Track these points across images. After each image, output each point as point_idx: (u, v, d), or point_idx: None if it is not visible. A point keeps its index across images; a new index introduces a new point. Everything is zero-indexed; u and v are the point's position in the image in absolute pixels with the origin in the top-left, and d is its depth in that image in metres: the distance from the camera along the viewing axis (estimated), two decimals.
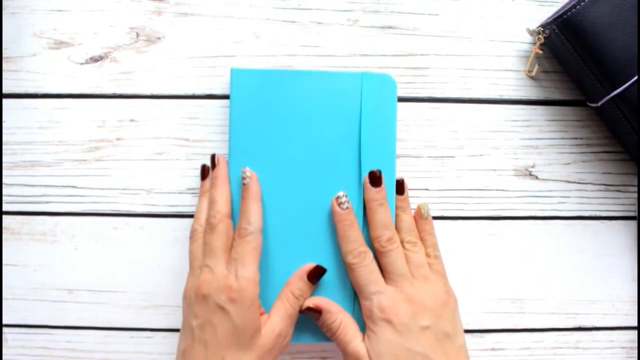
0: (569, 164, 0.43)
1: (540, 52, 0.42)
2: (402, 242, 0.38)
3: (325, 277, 0.39)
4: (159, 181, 0.43)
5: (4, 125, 0.43)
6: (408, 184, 0.43)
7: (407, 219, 0.39)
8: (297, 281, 0.37)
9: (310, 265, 0.38)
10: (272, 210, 0.39)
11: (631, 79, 0.38)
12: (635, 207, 0.44)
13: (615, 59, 0.38)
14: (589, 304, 0.44)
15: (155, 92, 0.43)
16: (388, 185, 0.39)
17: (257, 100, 0.39)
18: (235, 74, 0.40)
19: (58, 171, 0.43)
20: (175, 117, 0.43)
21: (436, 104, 0.43)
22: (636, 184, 0.44)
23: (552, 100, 0.43)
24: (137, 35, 0.43)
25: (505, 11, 0.43)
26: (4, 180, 0.43)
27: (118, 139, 0.43)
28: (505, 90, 0.43)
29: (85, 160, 0.43)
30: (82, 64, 0.43)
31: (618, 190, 0.44)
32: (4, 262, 0.43)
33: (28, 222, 0.43)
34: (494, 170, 0.43)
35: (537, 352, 0.44)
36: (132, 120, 0.43)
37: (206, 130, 0.43)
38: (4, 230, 0.43)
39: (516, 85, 0.43)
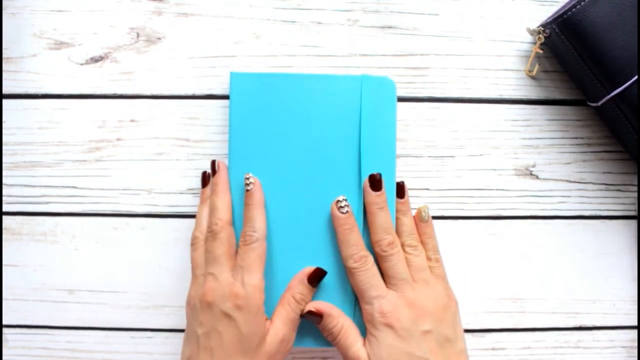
0: (569, 163, 0.44)
1: (541, 51, 0.42)
2: (402, 245, 0.38)
3: (326, 280, 0.38)
4: (159, 181, 0.43)
5: (4, 125, 0.43)
6: (408, 184, 0.43)
7: (407, 222, 0.39)
8: (298, 285, 0.37)
9: (311, 268, 0.38)
10: (271, 214, 0.39)
11: (631, 78, 0.38)
12: (636, 207, 0.44)
13: (616, 59, 0.38)
14: (590, 304, 0.44)
15: (155, 92, 0.43)
16: (388, 188, 0.39)
17: (256, 104, 0.39)
18: (235, 77, 0.40)
19: (58, 171, 0.43)
20: (175, 117, 0.43)
21: (436, 104, 0.43)
22: (636, 183, 0.44)
23: (553, 99, 0.43)
24: (137, 35, 0.43)
25: (505, 11, 0.43)
26: (4, 180, 0.43)
27: (118, 139, 0.43)
28: (505, 90, 0.43)
29: (85, 160, 0.43)
30: (82, 64, 0.43)
31: (618, 190, 0.44)
32: (4, 262, 0.43)
33: (28, 222, 0.43)
34: (494, 170, 0.43)
35: (537, 352, 0.44)
36: (132, 121, 0.43)
37: (206, 130, 0.43)
38: (4, 231, 0.43)
39: (516, 85, 0.43)
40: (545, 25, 0.40)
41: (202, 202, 0.40)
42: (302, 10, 0.43)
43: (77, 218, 0.43)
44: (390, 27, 0.43)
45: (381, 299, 0.36)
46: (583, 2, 0.38)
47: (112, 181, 0.43)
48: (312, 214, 0.39)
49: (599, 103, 0.40)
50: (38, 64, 0.43)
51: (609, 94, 0.39)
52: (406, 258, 0.37)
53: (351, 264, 0.37)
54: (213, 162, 0.39)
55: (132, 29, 0.43)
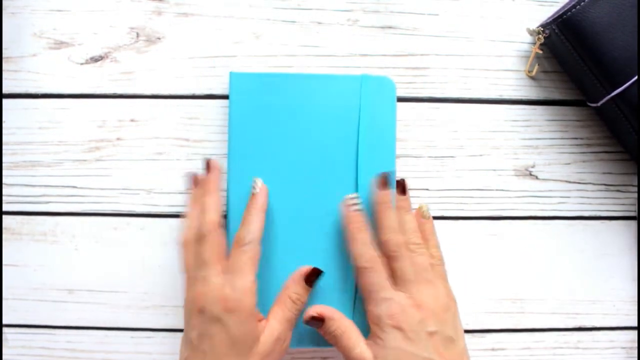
0: (569, 164, 0.43)
1: (540, 52, 0.42)
2: (406, 243, 0.37)
3: (324, 281, 0.38)
4: (159, 181, 0.43)
5: (4, 125, 0.43)
6: (408, 184, 0.42)
7: (410, 219, 0.38)
8: (294, 285, 0.37)
9: (307, 268, 0.38)
10: (271, 213, 0.39)
11: (631, 78, 0.38)
12: (635, 207, 0.44)
13: (615, 59, 0.38)
14: (589, 304, 0.44)
15: (155, 92, 0.43)
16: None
17: (256, 104, 0.39)
18: (235, 77, 0.40)
19: (58, 171, 0.43)
20: (175, 117, 0.43)
21: (436, 104, 0.43)
22: (636, 184, 0.44)
23: (552, 100, 0.43)
24: (137, 35, 0.43)
25: (505, 11, 0.43)
26: (4, 180, 0.43)
27: (118, 139, 0.43)
28: (505, 90, 0.43)
29: (85, 160, 0.43)
30: (82, 64, 0.43)
31: (618, 190, 0.44)
32: (4, 262, 0.43)
33: (28, 222, 0.43)
34: (494, 170, 0.43)
35: (537, 352, 0.44)
36: (132, 120, 0.43)
37: (206, 130, 0.43)
38: (4, 230, 0.43)
39: (516, 85, 0.43)
40: (545, 26, 0.40)
41: (192, 202, 0.39)
42: (302, 10, 0.43)
43: (77, 218, 0.43)
44: (390, 27, 0.43)
45: (390, 301, 0.35)
46: (583, 2, 0.38)
47: (112, 181, 0.43)
48: (312, 214, 0.39)
49: (599, 103, 0.40)
50: (38, 63, 0.43)
51: (609, 94, 0.39)
52: (410, 257, 0.37)
53: (362, 263, 0.36)
54: (208, 161, 0.39)
55: (132, 28, 0.43)
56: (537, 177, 0.43)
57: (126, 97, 0.43)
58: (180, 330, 0.43)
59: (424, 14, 0.43)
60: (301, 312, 0.37)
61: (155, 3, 0.43)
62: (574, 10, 0.38)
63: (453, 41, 0.43)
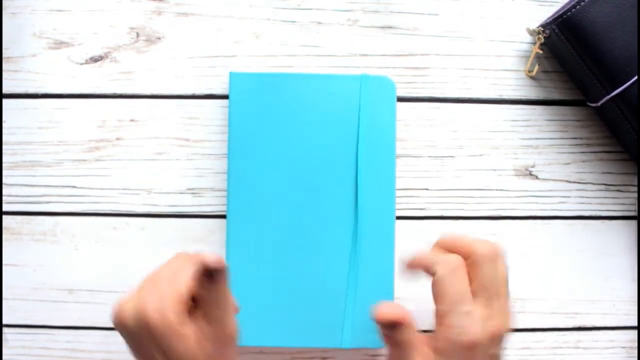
0: (569, 163, 0.44)
1: (540, 52, 0.42)
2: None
3: (319, 284, 0.38)
4: (159, 181, 0.43)
5: (4, 125, 0.43)
6: (408, 184, 0.43)
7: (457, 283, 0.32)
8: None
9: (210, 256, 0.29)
10: (270, 213, 0.39)
11: (631, 78, 0.38)
12: (635, 207, 0.44)
13: (616, 59, 0.38)
14: (589, 304, 0.44)
15: (155, 92, 0.43)
16: (389, 187, 0.39)
17: (256, 104, 0.39)
18: (235, 77, 0.40)
19: (58, 171, 0.43)
20: (175, 117, 0.43)
21: (436, 104, 0.43)
22: (636, 183, 0.44)
23: (552, 100, 0.43)
24: (137, 35, 0.43)
25: (505, 11, 0.43)
26: (4, 180, 0.43)
27: (118, 139, 0.43)
28: (505, 90, 0.43)
29: (85, 160, 0.43)
30: (82, 64, 0.43)
31: (618, 190, 0.44)
32: (4, 262, 0.43)
33: (28, 222, 0.43)
34: (494, 170, 0.43)
35: (537, 352, 0.44)
36: (132, 120, 0.43)
37: (206, 130, 0.43)
38: (4, 230, 0.43)
39: (516, 85, 0.43)
40: (545, 26, 0.40)
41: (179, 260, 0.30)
42: (302, 10, 0.43)
43: (77, 218, 0.43)
44: (390, 27, 0.43)
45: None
46: (583, 2, 0.38)
47: (111, 181, 0.43)
48: (311, 214, 0.39)
49: (599, 103, 0.40)
50: (38, 63, 0.43)
51: (608, 94, 0.39)
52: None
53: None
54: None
55: (132, 28, 0.43)
56: (537, 177, 0.43)
57: (126, 97, 0.43)
58: None
59: (424, 14, 0.43)
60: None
61: (155, 3, 0.43)
62: (574, 10, 0.38)
63: (453, 41, 0.43)
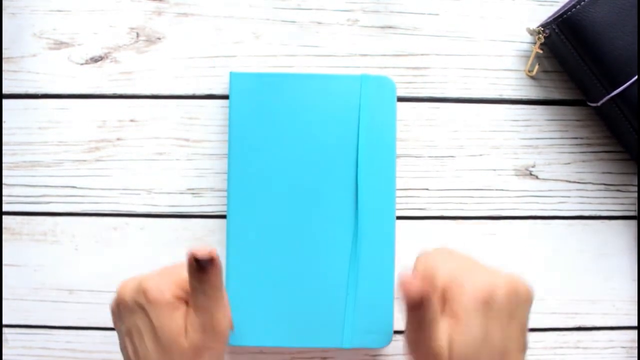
0: (569, 163, 0.44)
1: (541, 51, 0.42)
2: None
3: (319, 283, 0.38)
4: (159, 181, 0.43)
5: (4, 125, 0.43)
6: (408, 184, 0.43)
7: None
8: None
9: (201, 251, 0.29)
10: (270, 213, 0.39)
11: (631, 78, 0.38)
12: (635, 207, 0.44)
13: (616, 59, 0.38)
14: (589, 304, 0.44)
15: (155, 92, 0.43)
16: (389, 187, 0.39)
17: (256, 104, 0.39)
18: (235, 77, 0.40)
19: (58, 171, 0.43)
20: (175, 117, 0.43)
21: (436, 104, 0.43)
22: (636, 183, 0.44)
23: (552, 100, 0.43)
24: (137, 35, 0.43)
25: (505, 11, 0.43)
26: (4, 180, 0.43)
27: (118, 139, 0.43)
28: (505, 90, 0.43)
29: (85, 160, 0.43)
30: (82, 64, 0.43)
31: (618, 190, 0.44)
32: (4, 262, 0.43)
33: (28, 222, 0.43)
34: (494, 170, 0.43)
35: (537, 352, 0.44)
36: (132, 121, 0.43)
37: (206, 130, 0.43)
38: (4, 230, 0.43)
39: (516, 85, 0.43)
40: (545, 25, 0.40)
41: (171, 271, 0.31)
42: (302, 10, 0.43)
43: (77, 218, 0.43)
44: (390, 27, 0.43)
45: None
46: (583, 2, 0.38)
47: (112, 181, 0.43)
48: (311, 214, 0.39)
49: (599, 103, 0.40)
50: (38, 63, 0.43)
51: (609, 94, 0.39)
52: None
53: None
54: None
55: (132, 29, 0.43)
56: (537, 177, 0.43)
57: (126, 97, 0.43)
58: None
59: (424, 14, 0.43)
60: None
61: (155, 3, 0.43)
62: (574, 10, 0.38)
63: (453, 41, 0.43)
